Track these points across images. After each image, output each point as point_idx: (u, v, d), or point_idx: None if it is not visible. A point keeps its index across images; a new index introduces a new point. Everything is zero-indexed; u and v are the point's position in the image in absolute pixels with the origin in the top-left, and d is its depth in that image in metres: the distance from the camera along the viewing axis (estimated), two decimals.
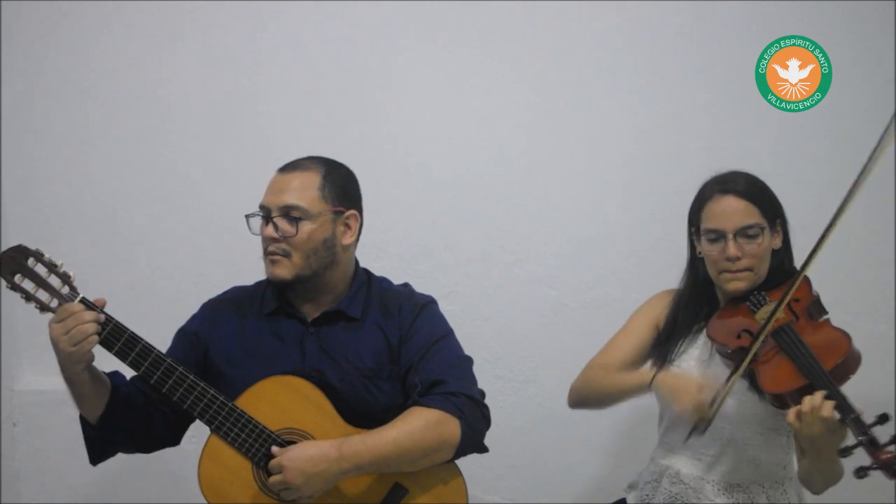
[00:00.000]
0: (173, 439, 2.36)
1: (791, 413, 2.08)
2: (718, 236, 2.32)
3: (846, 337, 2.18)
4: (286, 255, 2.24)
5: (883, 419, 2.01)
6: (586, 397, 2.50)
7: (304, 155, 2.34)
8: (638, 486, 2.47)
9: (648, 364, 2.46)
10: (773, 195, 2.38)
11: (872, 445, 1.98)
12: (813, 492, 2.30)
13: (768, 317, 2.21)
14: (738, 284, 2.33)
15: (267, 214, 2.25)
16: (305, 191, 2.25)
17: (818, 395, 2.04)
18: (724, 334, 2.32)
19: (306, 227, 2.24)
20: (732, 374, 2.21)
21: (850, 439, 2.05)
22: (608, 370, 2.44)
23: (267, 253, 2.26)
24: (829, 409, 2.02)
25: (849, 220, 3.11)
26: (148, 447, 2.34)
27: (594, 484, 3.16)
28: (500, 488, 3.15)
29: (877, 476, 2.04)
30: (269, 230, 2.23)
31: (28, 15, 3.08)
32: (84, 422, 2.26)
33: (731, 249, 2.29)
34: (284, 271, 2.24)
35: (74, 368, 2.10)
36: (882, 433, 2.03)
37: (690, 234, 2.43)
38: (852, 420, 2.01)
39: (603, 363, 2.47)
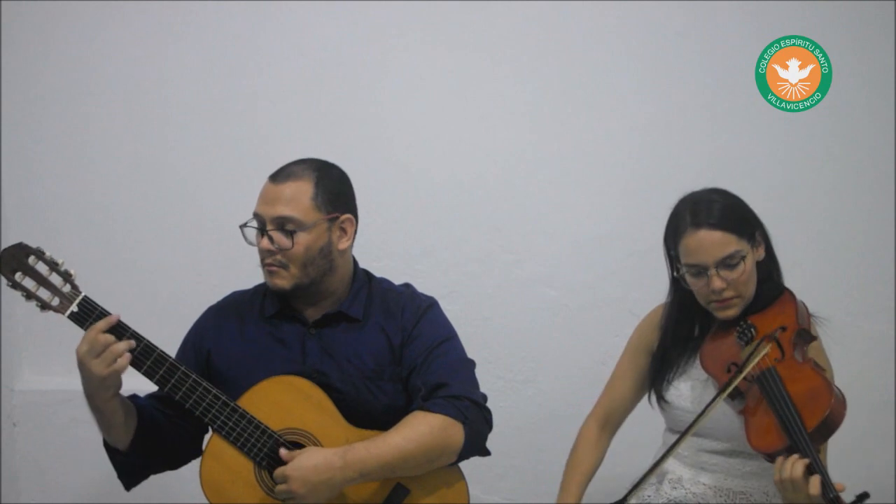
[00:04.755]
0: (196, 452, 2.34)
1: (776, 475, 2.05)
2: (700, 270, 2.27)
3: (828, 389, 2.11)
4: (283, 266, 2.22)
5: (862, 498, 1.95)
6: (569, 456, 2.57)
7: (304, 156, 2.32)
8: (639, 487, 2.46)
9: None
10: (746, 211, 2.31)
11: None
12: None
13: (744, 360, 2.18)
14: (729, 312, 2.28)
15: (262, 225, 2.23)
16: (298, 201, 2.21)
17: (798, 465, 2.00)
18: (714, 366, 2.29)
19: (302, 238, 2.21)
20: (692, 424, 2.21)
21: None
22: (585, 443, 2.53)
23: (265, 264, 2.25)
24: (815, 487, 1.98)
25: (849, 219, 3.15)
26: (175, 464, 2.35)
27: (594, 484, 3.14)
28: (500, 488, 3.15)
29: (877, 476, 2.04)
30: (265, 243, 2.21)
31: (28, 15, 3.08)
32: (111, 449, 2.25)
33: (716, 283, 2.24)
34: (283, 282, 2.23)
35: (104, 395, 2.10)
36: None
37: (669, 257, 2.40)
38: (832, 500, 1.96)
39: (602, 414, 2.53)
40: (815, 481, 1.98)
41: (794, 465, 2.00)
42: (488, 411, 2.30)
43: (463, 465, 2.30)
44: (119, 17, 3.09)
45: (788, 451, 2.05)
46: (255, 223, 2.24)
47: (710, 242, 2.25)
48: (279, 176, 2.24)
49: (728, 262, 2.24)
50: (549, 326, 3.17)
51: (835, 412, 2.07)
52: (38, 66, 3.10)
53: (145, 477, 2.33)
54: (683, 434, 2.22)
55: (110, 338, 2.07)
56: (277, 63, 3.12)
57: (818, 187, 3.12)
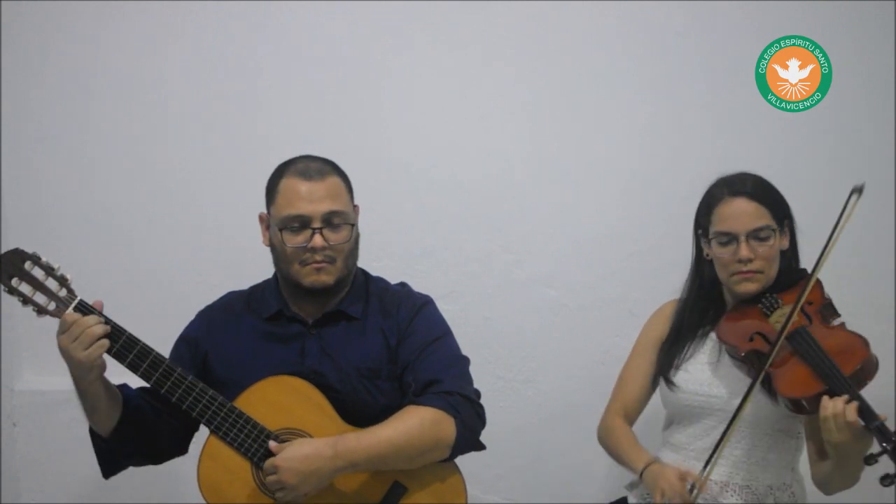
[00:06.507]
0: (181, 449, 2.37)
1: (821, 413, 2.06)
2: (730, 239, 2.32)
3: (863, 342, 2.16)
4: (332, 261, 2.24)
5: None
6: (607, 449, 2.54)
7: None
8: (639, 484, 2.46)
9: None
10: (780, 196, 2.38)
11: None
12: (826, 493, 2.30)
13: (786, 320, 2.20)
14: (749, 286, 2.32)
15: (305, 224, 2.22)
16: (340, 195, 2.25)
17: (839, 401, 2.02)
18: (735, 337, 2.31)
19: (348, 231, 2.25)
20: (744, 399, 2.20)
21: (875, 447, 2.03)
22: (620, 427, 2.48)
23: (313, 261, 2.23)
24: (853, 413, 2.00)
25: (849, 219, 3.14)
26: (157, 459, 2.36)
27: (594, 484, 3.16)
28: (500, 488, 3.15)
29: (878, 476, 2.04)
30: (319, 240, 2.21)
31: (28, 15, 3.08)
32: (95, 435, 2.26)
33: (744, 251, 2.29)
34: (329, 277, 2.24)
35: (88, 377, 2.10)
36: None
37: (697, 237, 2.43)
38: (877, 427, 1.99)
39: (620, 408, 2.52)
40: (851, 408, 2.00)
41: (835, 402, 2.03)
42: (481, 407, 2.30)
43: (462, 464, 2.30)
44: (119, 17, 3.10)
45: (819, 398, 2.07)
46: (295, 224, 2.23)
47: (744, 211, 2.32)
48: (312, 173, 2.24)
49: (759, 234, 2.31)
50: (549, 326, 3.17)
51: (869, 365, 2.11)
52: (38, 66, 3.10)
53: (125, 467, 2.33)
54: (746, 394, 2.21)
55: (85, 320, 2.07)
56: (278, 64, 3.12)
57: (818, 187, 3.11)
